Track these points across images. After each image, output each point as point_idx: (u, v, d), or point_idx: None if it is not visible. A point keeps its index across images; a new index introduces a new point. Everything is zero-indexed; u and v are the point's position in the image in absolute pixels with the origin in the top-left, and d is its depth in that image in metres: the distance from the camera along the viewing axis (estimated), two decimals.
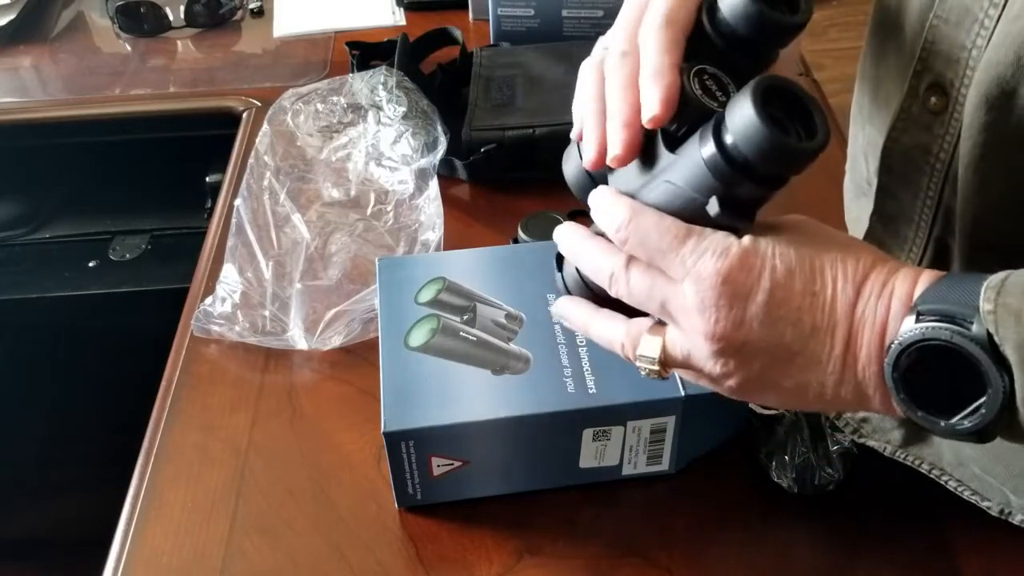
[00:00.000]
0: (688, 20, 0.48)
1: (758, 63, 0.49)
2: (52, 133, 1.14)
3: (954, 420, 0.42)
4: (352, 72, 1.02)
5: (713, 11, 0.48)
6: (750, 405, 0.64)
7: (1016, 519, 0.58)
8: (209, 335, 0.76)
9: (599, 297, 0.52)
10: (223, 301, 0.77)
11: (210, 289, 0.80)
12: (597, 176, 0.52)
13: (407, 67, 0.98)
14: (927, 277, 0.43)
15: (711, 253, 0.44)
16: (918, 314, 0.41)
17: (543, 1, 1.07)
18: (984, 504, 0.58)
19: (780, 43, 0.49)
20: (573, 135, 0.53)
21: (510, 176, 0.91)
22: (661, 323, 0.49)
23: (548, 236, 0.79)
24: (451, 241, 0.81)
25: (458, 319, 0.65)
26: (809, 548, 0.62)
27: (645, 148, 0.48)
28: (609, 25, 0.53)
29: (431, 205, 0.83)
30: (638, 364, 0.49)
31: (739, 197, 0.45)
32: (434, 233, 0.81)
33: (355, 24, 1.20)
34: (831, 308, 0.44)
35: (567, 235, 0.52)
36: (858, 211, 0.68)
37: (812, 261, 0.44)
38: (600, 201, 0.49)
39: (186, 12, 1.21)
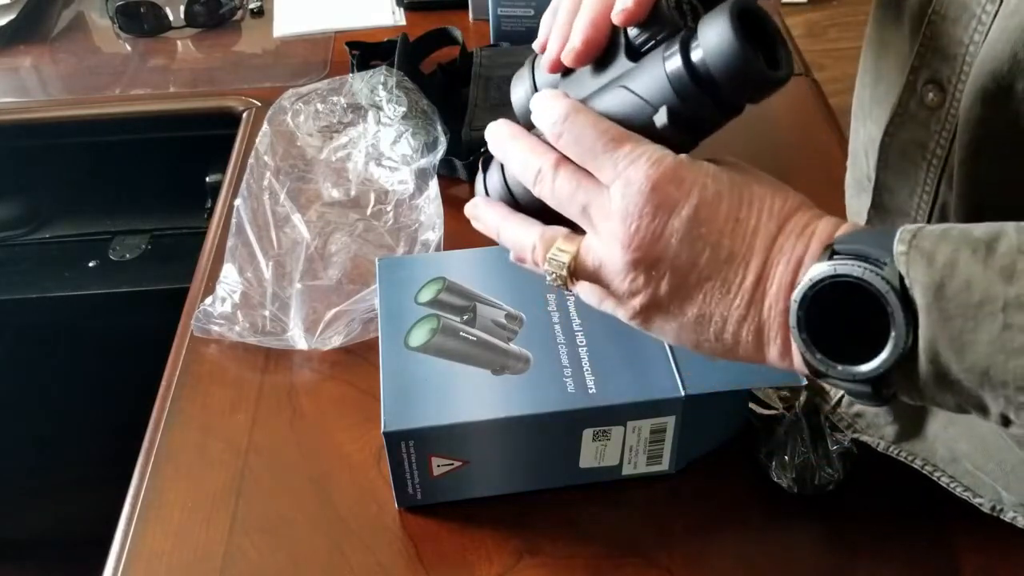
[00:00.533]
0: None
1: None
2: (52, 133, 1.14)
3: (852, 366, 0.41)
4: (352, 72, 1.02)
5: None
6: (750, 405, 0.64)
7: (1008, 516, 0.58)
8: (209, 335, 0.76)
9: (518, 205, 0.51)
10: (223, 301, 0.77)
11: (210, 289, 0.80)
12: None
13: (407, 67, 0.98)
14: (850, 225, 0.43)
15: (645, 159, 0.44)
16: (833, 252, 0.41)
17: (543, 1, 1.06)
18: (976, 501, 0.59)
19: None
20: (536, 45, 0.53)
21: None
22: (578, 235, 0.48)
23: None
24: (451, 241, 0.81)
25: (458, 319, 0.65)
26: (809, 548, 0.62)
27: (603, 57, 0.48)
28: None
29: (431, 205, 0.83)
30: (546, 269, 0.48)
31: (691, 115, 0.45)
32: (434, 233, 0.81)
33: (355, 24, 1.20)
34: (751, 237, 0.43)
35: (499, 130, 0.51)
36: (859, 207, 0.68)
37: (742, 189, 0.44)
38: (541, 100, 0.48)
39: (186, 12, 1.21)
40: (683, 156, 0.44)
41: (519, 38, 1.08)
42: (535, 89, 0.53)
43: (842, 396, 0.62)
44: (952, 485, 0.59)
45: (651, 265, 0.44)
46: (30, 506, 1.31)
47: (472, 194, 0.55)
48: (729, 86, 0.44)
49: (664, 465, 0.64)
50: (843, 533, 0.62)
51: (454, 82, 1.03)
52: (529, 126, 0.51)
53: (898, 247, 0.39)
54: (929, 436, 0.60)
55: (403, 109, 0.91)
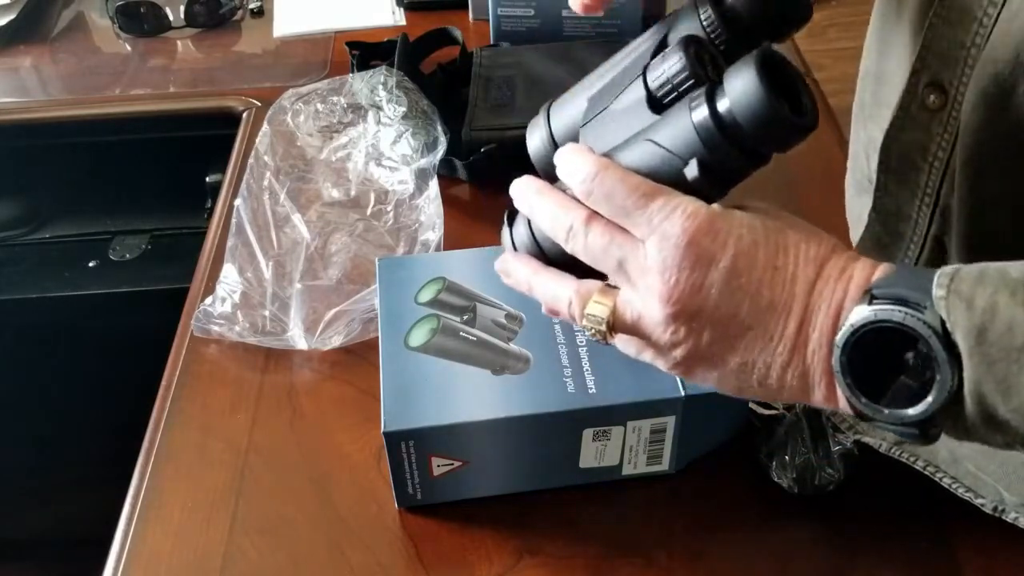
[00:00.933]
0: None
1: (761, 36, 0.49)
2: (52, 133, 1.14)
3: (898, 409, 0.41)
4: (352, 72, 1.02)
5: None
6: (750, 405, 0.64)
7: (1010, 516, 0.58)
8: (209, 335, 0.76)
9: (547, 258, 0.51)
10: (223, 301, 0.77)
11: (210, 289, 0.80)
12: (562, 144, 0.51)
13: (407, 67, 0.98)
14: (886, 267, 0.43)
15: (680, 212, 0.44)
16: (872, 297, 0.41)
17: (543, 1, 1.07)
18: (978, 501, 0.59)
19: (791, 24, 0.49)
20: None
21: (510, 176, 0.90)
22: (612, 287, 0.47)
23: None
24: (451, 241, 0.81)
25: (458, 319, 0.65)
26: (809, 548, 0.62)
27: (625, 111, 0.48)
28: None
29: (431, 205, 0.83)
30: (584, 324, 0.48)
31: (719, 166, 0.45)
32: (434, 233, 0.81)
33: (355, 24, 1.20)
34: (791, 284, 0.43)
35: (524, 186, 0.51)
36: (859, 209, 0.68)
37: (777, 236, 0.44)
38: (567, 155, 0.48)
39: (186, 12, 1.21)
40: (716, 207, 0.44)
41: (519, 38, 1.08)
42: (552, 138, 0.53)
43: None
44: (954, 486, 0.59)
45: (691, 317, 0.44)
46: (30, 506, 1.31)
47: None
48: (757, 135, 0.44)
49: (664, 465, 0.64)
50: (843, 533, 0.62)
51: (454, 82, 1.03)
52: (549, 174, 0.51)
53: (937, 291, 0.40)
54: None
55: (403, 109, 0.91)
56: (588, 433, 0.61)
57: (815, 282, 0.43)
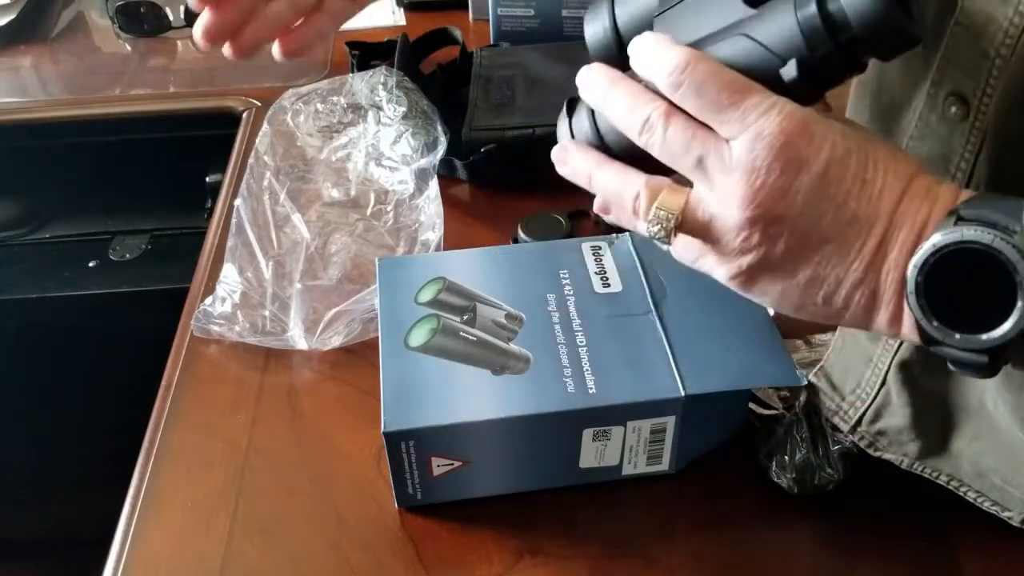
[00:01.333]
0: None
1: None
2: (52, 133, 1.14)
3: (971, 334, 0.40)
4: (352, 72, 1.02)
5: None
6: (750, 405, 0.64)
7: None
8: (209, 335, 0.76)
9: (611, 154, 0.49)
10: (223, 301, 0.77)
11: (210, 289, 0.80)
12: (628, 38, 0.47)
13: (407, 67, 0.98)
14: (971, 191, 0.42)
15: (777, 111, 0.42)
16: (959, 218, 0.40)
17: (543, 1, 1.07)
18: (1005, 515, 0.58)
19: None
20: None
21: (510, 176, 0.91)
22: (682, 184, 0.45)
23: (548, 236, 0.79)
24: (451, 241, 0.81)
25: (458, 319, 0.65)
26: (809, 548, 0.62)
27: (714, 1, 0.45)
28: None
29: (431, 205, 0.83)
30: (650, 219, 0.45)
31: (819, 69, 0.43)
32: (434, 233, 0.81)
33: (355, 24, 1.19)
34: (877, 200, 0.42)
35: (595, 75, 0.47)
36: None
37: (869, 148, 0.43)
38: (649, 44, 0.45)
39: (186, 12, 1.21)
40: (811, 110, 0.42)
41: (519, 38, 1.08)
42: (615, 26, 0.49)
43: (862, 416, 0.61)
44: (979, 500, 0.58)
45: (770, 223, 0.42)
46: (30, 506, 1.31)
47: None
48: (868, 39, 0.41)
49: (664, 465, 0.64)
50: (843, 533, 0.62)
51: (454, 82, 1.03)
52: (603, 56, 0.48)
53: None
54: (954, 452, 0.59)
55: (403, 109, 0.91)
56: (588, 433, 0.61)
57: (901, 199, 0.42)
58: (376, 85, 0.94)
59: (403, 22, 1.20)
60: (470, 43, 1.07)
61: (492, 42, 1.11)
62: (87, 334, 1.17)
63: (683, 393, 0.60)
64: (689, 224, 0.45)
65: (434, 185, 0.85)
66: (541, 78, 0.97)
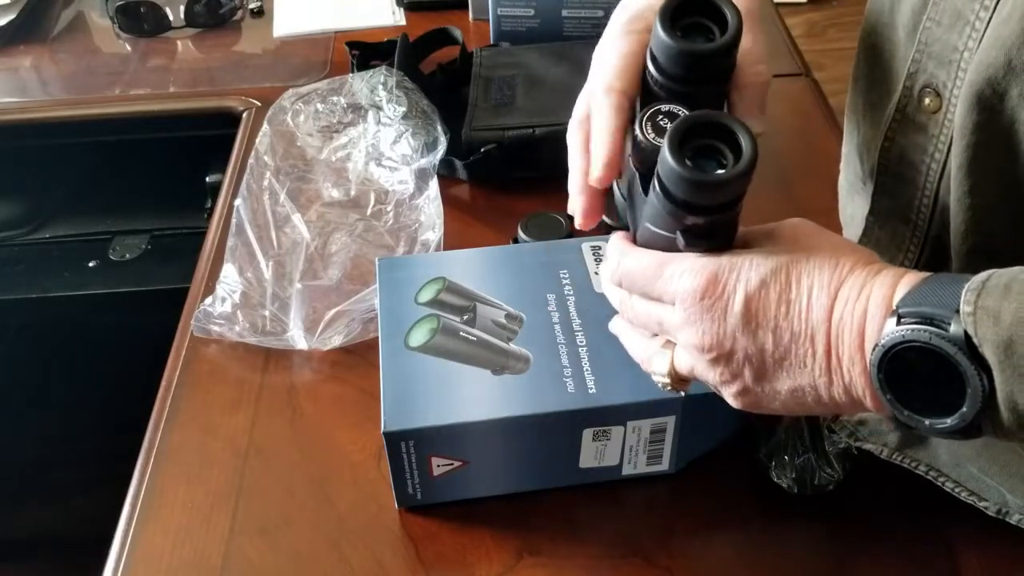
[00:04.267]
0: (633, 79, 0.52)
1: (713, 85, 0.51)
2: (52, 133, 1.14)
3: (936, 420, 0.42)
4: (352, 72, 1.02)
5: (654, 56, 0.50)
6: None
7: (1014, 519, 0.58)
8: (209, 335, 0.76)
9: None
10: (223, 301, 0.77)
11: (210, 289, 0.80)
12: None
13: (407, 67, 0.98)
14: (908, 280, 0.44)
15: (687, 274, 0.47)
16: (899, 316, 0.42)
17: (543, 1, 1.07)
18: (981, 504, 0.58)
19: (715, 69, 0.50)
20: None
21: (510, 176, 0.91)
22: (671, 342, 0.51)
23: (548, 236, 0.79)
24: (451, 241, 0.81)
25: (458, 319, 0.65)
26: (809, 548, 0.62)
27: (634, 193, 0.52)
28: None
29: (431, 205, 0.83)
30: (656, 382, 0.53)
31: (701, 230, 0.47)
32: (434, 233, 0.81)
33: (355, 24, 1.20)
34: (806, 315, 0.45)
35: (610, 247, 0.55)
36: (852, 209, 0.68)
37: (788, 270, 0.46)
38: (607, 247, 0.54)
39: (186, 12, 1.21)
40: (723, 257, 0.47)
41: (519, 38, 1.08)
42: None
43: None
44: (957, 490, 0.59)
45: (728, 359, 0.47)
46: (30, 506, 1.31)
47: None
48: (698, 202, 0.46)
49: (664, 465, 0.64)
50: (843, 533, 0.62)
51: (454, 82, 1.03)
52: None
53: (964, 307, 0.40)
54: (932, 442, 0.60)
55: (403, 109, 0.91)
56: (588, 433, 0.61)
57: (832, 306, 0.45)
58: (376, 85, 0.94)
59: (403, 22, 1.20)
60: (470, 43, 1.07)
61: (492, 42, 1.11)
62: (87, 334, 1.17)
63: (683, 393, 0.60)
64: (682, 376, 0.52)
65: (434, 185, 0.85)
66: (541, 78, 0.97)
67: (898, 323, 0.42)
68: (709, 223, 0.47)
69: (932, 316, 0.41)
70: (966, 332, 0.40)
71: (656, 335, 0.52)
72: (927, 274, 0.44)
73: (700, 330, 0.47)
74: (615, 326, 0.57)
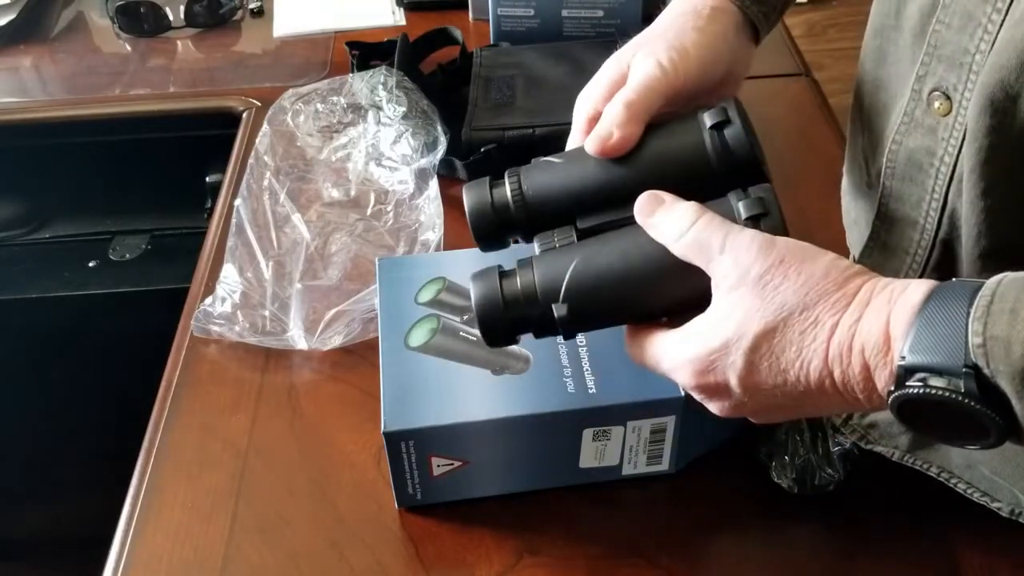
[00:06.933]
0: (693, 78, 0.55)
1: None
2: (52, 133, 1.14)
3: (964, 443, 0.44)
4: (352, 72, 1.02)
5: None
6: None
7: None
8: (209, 335, 0.76)
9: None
10: (223, 301, 0.77)
11: (210, 289, 0.80)
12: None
13: (407, 67, 0.98)
14: (900, 313, 0.42)
15: (678, 372, 0.49)
16: (906, 371, 0.41)
17: (543, 1, 1.07)
18: (994, 505, 0.58)
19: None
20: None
21: None
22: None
23: None
24: (451, 241, 0.81)
25: (458, 319, 0.65)
26: (809, 548, 0.62)
27: None
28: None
29: (431, 205, 0.83)
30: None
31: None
32: (434, 233, 0.81)
33: (355, 24, 1.20)
34: (806, 380, 0.45)
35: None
36: (856, 213, 0.68)
37: (771, 343, 0.45)
38: None
39: (186, 12, 1.21)
40: (700, 345, 0.47)
41: (519, 38, 1.08)
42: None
43: None
44: (969, 491, 0.59)
45: (738, 408, 0.49)
46: (30, 506, 1.31)
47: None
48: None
49: (664, 465, 0.64)
50: (843, 533, 0.62)
51: (454, 82, 1.03)
52: None
53: (973, 339, 0.40)
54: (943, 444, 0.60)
55: (403, 109, 0.91)
56: (588, 433, 0.61)
57: (828, 371, 0.44)
58: (376, 85, 0.94)
59: (403, 22, 1.20)
60: (470, 43, 1.07)
61: (492, 42, 1.11)
62: (87, 334, 1.17)
63: (683, 393, 0.60)
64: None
65: (434, 185, 0.85)
66: (541, 78, 0.97)
67: (907, 375, 0.41)
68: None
69: (940, 370, 0.41)
70: (977, 366, 0.40)
71: None
72: (916, 298, 0.42)
73: (715, 406, 0.49)
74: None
